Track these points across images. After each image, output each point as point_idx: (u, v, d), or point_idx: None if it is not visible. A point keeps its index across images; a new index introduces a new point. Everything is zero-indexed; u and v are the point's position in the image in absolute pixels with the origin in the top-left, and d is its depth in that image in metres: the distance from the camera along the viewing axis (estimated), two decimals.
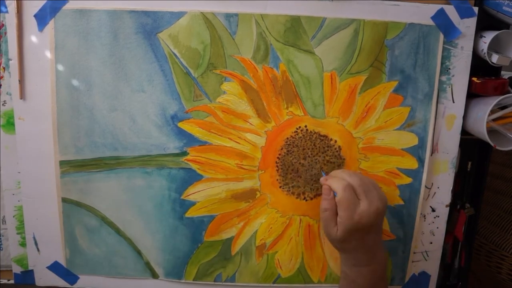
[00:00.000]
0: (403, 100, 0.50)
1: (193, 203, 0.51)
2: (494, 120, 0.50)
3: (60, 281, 0.54)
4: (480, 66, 0.51)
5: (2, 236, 0.55)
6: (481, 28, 0.50)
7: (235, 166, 0.51)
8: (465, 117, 0.51)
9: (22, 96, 0.50)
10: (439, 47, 0.49)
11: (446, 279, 0.59)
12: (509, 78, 0.52)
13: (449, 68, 0.50)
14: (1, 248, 0.55)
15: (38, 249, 0.53)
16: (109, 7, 0.47)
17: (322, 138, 0.51)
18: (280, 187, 0.51)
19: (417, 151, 0.51)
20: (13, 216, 0.53)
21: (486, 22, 0.51)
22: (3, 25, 0.49)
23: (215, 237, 0.52)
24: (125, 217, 0.52)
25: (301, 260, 0.53)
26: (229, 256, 0.53)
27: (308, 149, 0.51)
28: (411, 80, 0.50)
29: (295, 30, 0.48)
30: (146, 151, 0.50)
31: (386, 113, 0.50)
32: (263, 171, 0.51)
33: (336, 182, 0.43)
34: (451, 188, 0.53)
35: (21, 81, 0.49)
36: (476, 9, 0.49)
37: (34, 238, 0.53)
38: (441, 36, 0.49)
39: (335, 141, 0.51)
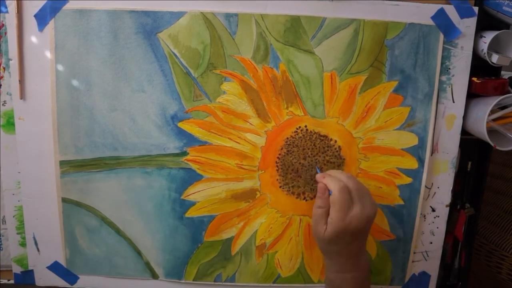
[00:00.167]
0: (403, 100, 0.50)
1: (193, 203, 0.51)
2: (494, 120, 0.50)
3: (60, 281, 0.54)
4: (480, 66, 0.51)
5: (2, 236, 0.55)
6: (481, 28, 0.50)
7: (235, 166, 0.51)
8: (465, 117, 0.51)
9: (22, 96, 0.50)
10: (439, 47, 0.49)
11: (446, 279, 0.59)
12: (509, 78, 0.52)
13: (449, 68, 0.50)
14: (1, 248, 0.55)
15: (38, 249, 0.53)
16: (109, 7, 0.47)
17: (322, 138, 0.51)
18: (280, 187, 0.51)
19: (417, 151, 0.51)
20: (13, 216, 0.53)
21: (486, 22, 0.51)
22: (3, 25, 0.49)
23: (215, 237, 0.52)
24: (125, 217, 0.52)
25: (301, 260, 0.53)
26: (229, 256, 0.53)
27: (308, 149, 0.51)
28: (411, 80, 0.50)
29: (295, 30, 0.48)
30: (146, 151, 0.50)
31: (386, 113, 0.50)
32: (263, 171, 0.51)
33: (333, 181, 0.43)
34: (451, 188, 0.53)
35: (21, 81, 0.49)
36: (476, 9, 0.49)
37: (34, 238, 0.53)
38: (441, 36, 0.49)
39: (335, 141, 0.51)
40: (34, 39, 0.49)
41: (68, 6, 0.48)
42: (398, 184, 0.52)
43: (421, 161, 0.51)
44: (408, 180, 0.52)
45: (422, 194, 0.52)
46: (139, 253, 0.53)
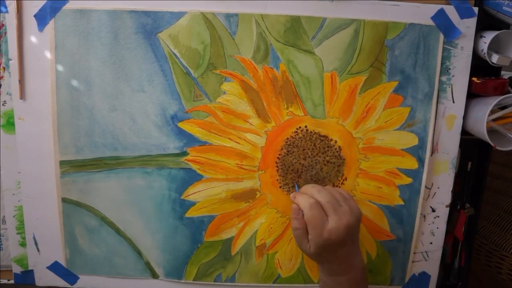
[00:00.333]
0: (403, 100, 0.50)
1: (193, 203, 0.51)
2: (494, 120, 0.50)
3: (60, 281, 0.54)
4: (480, 66, 0.51)
5: (2, 236, 0.55)
6: (481, 28, 0.50)
7: (235, 166, 0.51)
8: (465, 117, 0.51)
9: (22, 96, 0.50)
10: (439, 47, 0.49)
11: (446, 279, 0.59)
12: (509, 78, 0.52)
13: (449, 68, 0.50)
14: (1, 248, 0.55)
15: (38, 249, 0.53)
16: (109, 7, 0.47)
17: (322, 138, 0.51)
18: (280, 187, 0.51)
19: (417, 151, 0.51)
20: (13, 216, 0.53)
21: (486, 22, 0.51)
22: (3, 25, 0.49)
23: (215, 237, 0.52)
24: (125, 217, 0.52)
25: (301, 260, 0.53)
26: (229, 256, 0.53)
27: (308, 149, 0.51)
28: (411, 80, 0.50)
29: (295, 30, 0.48)
30: (146, 151, 0.50)
31: (386, 113, 0.50)
32: (263, 171, 0.51)
33: (303, 200, 0.42)
34: (451, 188, 0.53)
35: (21, 81, 0.49)
36: (476, 9, 0.49)
37: (34, 238, 0.53)
38: (441, 36, 0.49)
39: (335, 142, 0.51)
40: (34, 39, 0.49)
41: (68, 6, 0.48)
42: (398, 184, 0.52)
43: (421, 161, 0.51)
44: (408, 180, 0.52)
45: (422, 194, 0.52)
46: (139, 253, 0.53)
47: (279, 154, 0.51)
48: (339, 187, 0.52)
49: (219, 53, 0.49)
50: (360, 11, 0.48)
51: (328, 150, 0.51)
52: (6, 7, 0.48)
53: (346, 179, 0.52)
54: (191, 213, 0.51)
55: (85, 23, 0.48)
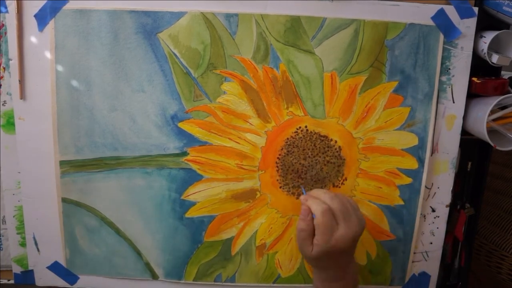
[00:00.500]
0: (403, 100, 0.50)
1: (193, 203, 0.51)
2: (494, 120, 0.50)
3: (60, 281, 0.54)
4: (480, 66, 0.51)
5: (2, 236, 0.55)
6: (481, 28, 0.50)
7: (235, 166, 0.51)
8: (465, 117, 0.51)
9: (22, 96, 0.50)
10: (439, 47, 0.49)
11: (446, 279, 0.59)
12: (509, 78, 0.52)
13: (449, 68, 0.50)
14: (1, 248, 0.55)
15: (38, 249, 0.53)
16: (109, 7, 0.47)
17: (322, 138, 0.51)
18: (280, 187, 0.51)
19: (417, 151, 0.51)
20: (13, 216, 0.53)
21: (486, 22, 0.51)
22: (3, 25, 0.49)
23: (215, 237, 0.52)
24: (125, 217, 0.52)
25: (301, 260, 0.53)
26: (229, 256, 0.53)
27: (308, 149, 0.51)
28: (411, 80, 0.50)
29: (295, 30, 0.48)
30: (146, 151, 0.50)
31: (386, 113, 0.50)
32: (263, 171, 0.51)
33: (315, 204, 0.42)
34: (451, 188, 0.53)
35: (21, 81, 0.49)
36: (476, 9, 0.49)
37: (34, 238, 0.53)
38: (441, 36, 0.49)
39: (335, 142, 0.51)
40: (34, 39, 0.49)
41: (68, 6, 0.48)
42: (398, 184, 0.52)
43: (421, 161, 0.51)
44: (408, 180, 0.52)
45: (422, 194, 0.52)
46: (139, 253, 0.53)
47: (279, 154, 0.51)
48: (339, 187, 0.52)
49: (219, 53, 0.49)
50: (360, 11, 0.48)
51: (328, 150, 0.51)
52: (6, 7, 0.48)
53: (346, 179, 0.52)
54: (191, 213, 0.51)
55: (85, 23, 0.48)
